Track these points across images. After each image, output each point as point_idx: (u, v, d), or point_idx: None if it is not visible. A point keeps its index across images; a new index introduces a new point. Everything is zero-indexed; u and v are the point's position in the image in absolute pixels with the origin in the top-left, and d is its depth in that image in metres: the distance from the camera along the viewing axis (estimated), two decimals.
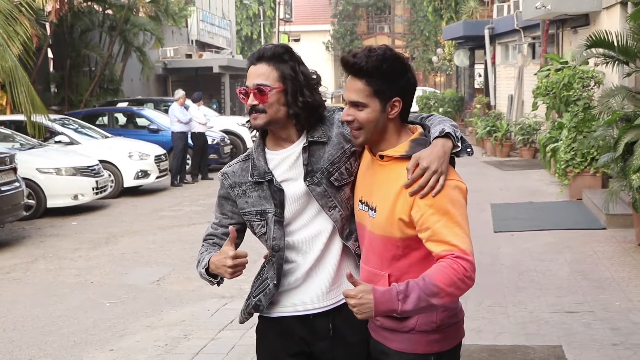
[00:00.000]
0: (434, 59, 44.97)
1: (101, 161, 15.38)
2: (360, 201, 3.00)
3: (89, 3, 25.85)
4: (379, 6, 62.89)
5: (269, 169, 3.08)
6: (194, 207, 15.08)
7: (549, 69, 16.07)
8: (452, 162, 2.84)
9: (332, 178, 3.05)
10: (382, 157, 2.89)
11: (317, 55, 62.91)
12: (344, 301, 2.96)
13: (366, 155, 3.04)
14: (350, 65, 2.82)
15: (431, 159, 2.74)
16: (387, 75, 2.80)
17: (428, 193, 2.71)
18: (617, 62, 10.26)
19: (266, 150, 3.14)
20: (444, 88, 45.49)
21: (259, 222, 3.12)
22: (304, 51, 37.33)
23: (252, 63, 3.05)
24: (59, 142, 16.59)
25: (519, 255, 9.49)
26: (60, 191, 14.04)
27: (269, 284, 3.16)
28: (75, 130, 17.66)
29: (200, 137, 18.79)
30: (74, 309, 8.06)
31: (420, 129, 2.94)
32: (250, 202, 3.12)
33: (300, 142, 3.08)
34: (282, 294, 3.17)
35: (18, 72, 13.92)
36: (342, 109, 3.09)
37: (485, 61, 30.54)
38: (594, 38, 10.56)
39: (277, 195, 3.06)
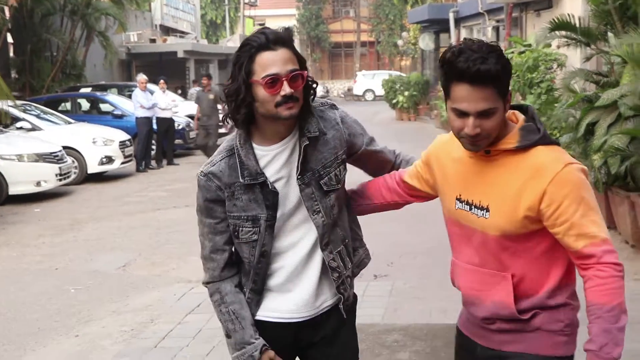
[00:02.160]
0: (399, 42, 45.14)
1: (64, 147, 15.26)
2: (459, 200, 2.71)
3: None
4: None
5: (260, 169, 2.80)
6: (160, 193, 15.05)
7: (512, 52, 16.18)
8: (546, 141, 2.57)
9: (321, 181, 2.87)
10: (488, 152, 2.59)
11: None
12: (328, 307, 2.98)
13: (448, 147, 2.78)
14: (481, 73, 2.43)
15: None
16: (507, 73, 2.52)
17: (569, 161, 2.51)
18: (579, 44, 10.36)
19: (254, 146, 2.83)
20: (409, 71, 45.57)
21: (250, 229, 2.84)
22: None
23: (265, 48, 2.69)
24: (21, 128, 16.38)
25: None
26: (23, 178, 13.92)
27: (245, 292, 2.97)
28: (37, 116, 17.46)
29: (164, 122, 18.76)
30: (38, 295, 8.02)
31: (520, 115, 2.64)
32: (240, 205, 2.83)
33: (293, 137, 2.85)
34: (263, 295, 2.99)
35: None
36: (334, 105, 2.98)
37: (450, 44, 30.68)
38: (557, 21, 10.68)
39: (271, 197, 2.82)
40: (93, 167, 16.52)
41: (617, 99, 8.78)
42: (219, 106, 17.65)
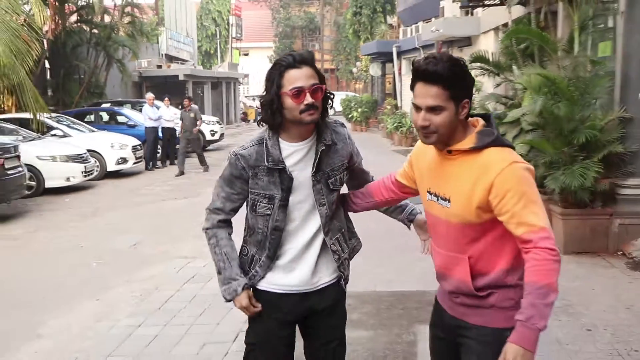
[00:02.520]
0: (354, 70, 45.11)
1: (89, 150, 15.14)
2: (429, 192, 2.64)
3: (79, 24, 25.40)
4: (311, 28, 62.81)
5: (282, 158, 2.79)
6: (164, 187, 14.95)
7: None
8: (498, 144, 2.48)
9: (329, 181, 2.87)
10: (450, 151, 2.51)
11: (263, 67, 62.28)
12: (323, 285, 2.94)
13: (424, 149, 2.70)
14: (429, 72, 2.39)
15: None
16: (460, 79, 2.42)
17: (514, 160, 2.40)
18: (491, 74, 10.47)
19: (280, 140, 2.82)
20: (362, 93, 45.59)
21: (266, 205, 2.84)
22: (252, 63, 37.13)
23: (292, 67, 2.70)
24: (55, 135, 16.30)
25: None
26: (56, 174, 13.81)
27: (260, 258, 2.93)
28: (68, 126, 17.37)
29: (168, 131, 18.70)
30: (68, 268, 7.96)
31: (481, 121, 2.55)
32: (261, 184, 2.82)
33: (311, 141, 2.83)
34: (268, 271, 2.94)
35: (27, 82, 14.27)
36: (343, 124, 2.96)
37: (394, 72, 30.84)
38: (476, 55, 10.78)
39: (286, 182, 2.80)
40: (111, 166, 16.38)
41: (520, 117, 8.89)
42: (198, 122, 17.55)
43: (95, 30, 25.51)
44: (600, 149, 7.61)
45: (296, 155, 2.83)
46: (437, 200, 2.58)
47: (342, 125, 2.99)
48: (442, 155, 2.54)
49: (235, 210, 2.98)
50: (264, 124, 2.85)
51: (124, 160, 16.62)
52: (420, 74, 2.41)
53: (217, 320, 5.89)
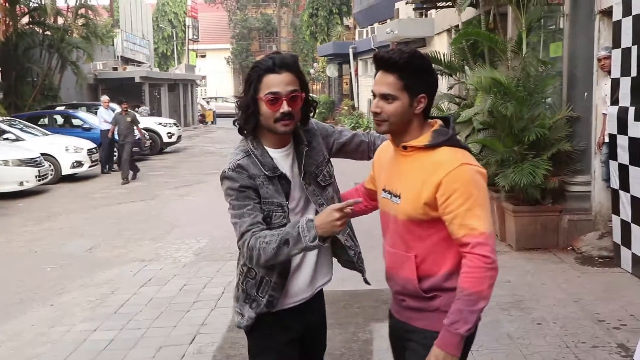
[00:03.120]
0: (312, 71, 45.19)
1: (43, 154, 14.90)
2: (384, 190, 2.59)
3: (31, 26, 24.98)
4: (268, 29, 62.73)
5: (276, 165, 2.60)
6: (120, 190, 14.77)
7: None
8: (452, 144, 2.45)
9: (318, 179, 2.69)
10: (405, 147, 2.47)
11: (220, 68, 62.48)
12: (319, 289, 2.77)
13: (387, 148, 2.66)
14: (385, 60, 2.40)
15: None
16: (417, 72, 2.40)
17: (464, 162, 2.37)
18: (444, 74, 10.59)
19: (266, 148, 2.63)
20: (319, 94, 45.71)
21: (281, 214, 2.58)
22: (209, 65, 36.96)
23: (271, 71, 2.53)
24: (7, 139, 15.98)
25: (373, 221, 9.71)
26: (9, 179, 13.54)
27: (270, 280, 2.62)
28: (21, 129, 17.03)
29: None
30: (21, 273, 7.83)
31: (439, 122, 2.52)
32: (270, 193, 2.57)
33: (292, 145, 2.67)
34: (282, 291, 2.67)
35: None
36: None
37: (350, 73, 31.01)
38: (428, 56, 10.87)
39: (285, 187, 2.61)
40: (66, 170, 16.12)
41: (472, 117, 9.02)
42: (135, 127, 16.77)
43: (48, 32, 25.13)
44: (549, 147, 7.78)
45: (284, 162, 2.65)
46: (390, 197, 2.54)
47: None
48: (398, 152, 2.53)
49: (264, 222, 2.58)
50: (238, 126, 2.65)
51: (79, 164, 16.37)
52: (379, 62, 2.44)
53: (174, 323, 5.86)
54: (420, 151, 2.44)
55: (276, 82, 2.51)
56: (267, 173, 2.56)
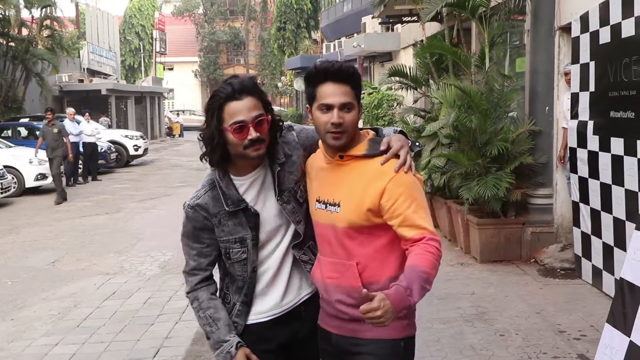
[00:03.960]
0: (279, 84, 45.31)
1: (5, 166, 14.69)
2: (318, 201, 2.55)
3: None
4: (235, 43, 62.66)
5: (241, 196, 2.54)
6: (85, 203, 14.59)
7: (363, 93, 16.55)
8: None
9: (297, 196, 2.61)
10: (341, 157, 2.47)
11: (188, 81, 62.24)
12: (298, 303, 2.69)
13: (313, 160, 2.63)
14: (337, 71, 2.40)
15: (400, 142, 2.46)
16: (359, 83, 2.47)
17: (409, 168, 2.41)
18: (409, 88, 10.68)
19: (232, 177, 2.56)
20: (287, 107, 45.80)
21: (240, 249, 2.57)
22: (176, 78, 36.79)
23: (233, 99, 2.45)
24: None
25: None
26: None
27: (236, 306, 2.65)
28: None
29: (89, 146, 18.40)
30: None
31: (372, 132, 2.57)
32: (227, 230, 2.55)
33: (265, 165, 2.59)
34: (252, 303, 2.68)
35: None
36: (290, 126, 2.71)
37: None
38: (394, 69, 10.96)
39: (252, 219, 2.55)
40: (30, 182, 15.90)
41: (437, 130, 9.11)
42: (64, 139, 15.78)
43: (12, 44, 24.77)
44: (512, 161, 7.88)
45: (254, 187, 2.58)
46: (326, 207, 2.51)
47: (289, 128, 2.72)
48: (332, 162, 2.51)
49: (213, 264, 2.67)
50: (205, 161, 2.57)
51: (43, 176, 16.13)
52: (332, 74, 2.40)
53: (138, 337, 5.80)
54: (356, 160, 2.46)
55: (239, 109, 2.44)
56: (228, 209, 2.53)
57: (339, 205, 2.47)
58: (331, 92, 2.40)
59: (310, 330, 2.71)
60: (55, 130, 15.30)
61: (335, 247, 2.50)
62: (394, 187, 2.38)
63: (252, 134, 2.43)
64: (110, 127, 27.15)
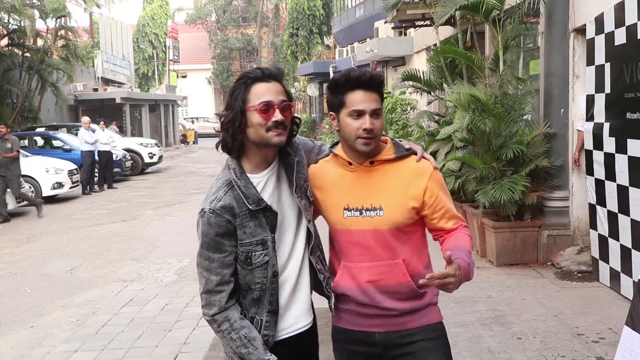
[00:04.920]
0: (292, 90, 45.35)
1: (23, 176, 14.76)
2: (347, 209, 2.56)
3: (10, 47, 24.89)
4: (248, 49, 62.85)
5: (260, 195, 2.44)
6: (101, 211, 14.69)
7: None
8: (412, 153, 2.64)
9: (307, 194, 2.58)
10: (372, 162, 2.55)
11: (201, 88, 62.50)
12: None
13: (321, 172, 2.65)
14: (369, 79, 2.47)
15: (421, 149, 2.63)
16: (383, 91, 2.58)
17: (434, 166, 2.59)
18: (423, 91, 10.69)
19: (249, 176, 2.46)
20: (301, 113, 45.82)
21: (262, 252, 2.44)
22: (190, 85, 36.93)
23: (260, 80, 2.41)
24: None
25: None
26: None
27: (261, 319, 2.49)
28: None
29: (105, 154, 18.51)
30: (1, 294, 7.76)
31: (385, 137, 2.63)
32: (249, 232, 2.43)
33: (277, 162, 2.53)
34: (279, 314, 2.54)
35: None
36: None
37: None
38: (407, 74, 10.98)
39: (271, 219, 2.46)
40: (47, 191, 15.98)
41: (451, 134, 9.11)
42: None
43: (27, 54, 25.04)
44: (528, 164, 7.87)
45: (269, 184, 2.51)
46: (362, 213, 2.55)
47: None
48: (358, 168, 2.57)
49: (233, 276, 2.47)
50: (223, 149, 2.48)
51: (59, 185, 16.27)
52: (363, 82, 2.47)
53: (156, 343, 5.84)
54: (386, 163, 2.56)
55: (267, 90, 2.40)
56: (251, 207, 2.42)
57: (381, 209, 2.54)
58: (363, 99, 2.47)
59: (313, 343, 2.74)
60: (8, 145, 13.77)
61: (376, 250, 2.55)
62: (433, 183, 2.56)
63: (278, 115, 2.38)
64: (120, 133, 27.27)
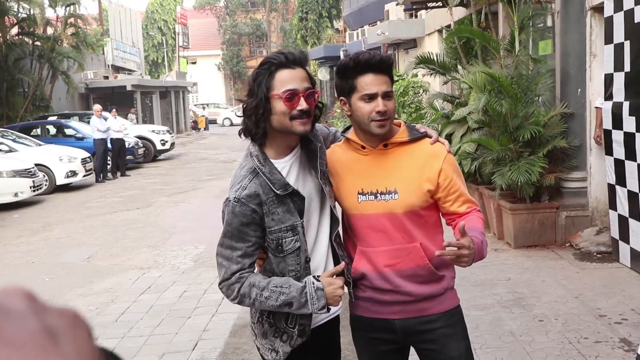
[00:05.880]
0: None
1: (36, 165, 14.83)
2: (361, 193, 2.53)
3: (20, 36, 24.91)
4: (257, 35, 62.73)
5: (286, 180, 2.40)
6: (115, 198, 14.73)
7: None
8: (426, 136, 2.64)
9: (330, 179, 2.56)
10: (385, 145, 2.52)
11: (211, 75, 62.43)
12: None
13: (332, 156, 2.63)
14: (379, 62, 2.43)
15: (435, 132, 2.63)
16: (393, 73, 2.56)
17: (448, 149, 2.58)
18: (437, 73, 10.60)
19: (273, 162, 2.42)
20: None
21: (292, 238, 2.40)
22: (200, 72, 36.97)
23: (284, 66, 2.35)
24: (0, 150, 15.95)
25: None
26: (3, 190, 13.46)
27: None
28: (13, 140, 16.98)
29: (117, 142, 18.50)
30: (20, 283, 7.78)
31: (397, 120, 2.63)
32: (278, 218, 2.38)
33: (298, 149, 2.50)
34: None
35: None
36: None
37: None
38: (421, 57, 10.88)
39: (299, 204, 2.42)
40: (60, 180, 16.05)
41: (466, 115, 9.04)
42: None
43: (38, 43, 25.08)
44: (545, 145, 7.80)
45: (294, 169, 2.47)
46: (377, 197, 2.52)
47: None
48: (372, 151, 2.55)
49: (253, 267, 2.45)
50: (246, 136, 2.44)
51: (73, 174, 16.33)
52: (373, 65, 2.43)
53: (175, 330, 5.85)
54: (400, 146, 2.55)
55: (292, 77, 2.35)
56: (279, 192, 2.37)
57: (396, 192, 2.51)
58: (374, 82, 2.44)
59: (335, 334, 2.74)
60: None
61: (393, 234, 2.53)
62: (448, 166, 2.53)
63: (303, 104, 2.34)
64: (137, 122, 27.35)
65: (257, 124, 2.37)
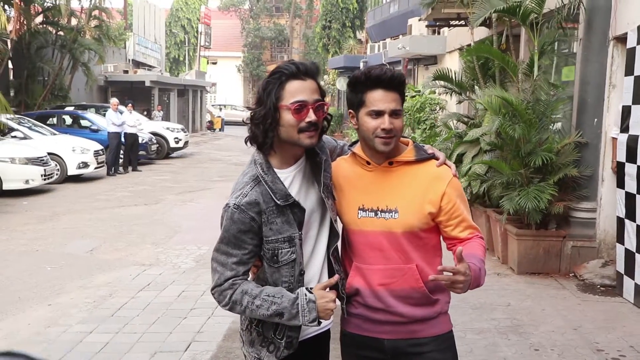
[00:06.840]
0: (322, 83, 45.23)
1: (49, 154, 14.95)
2: (362, 209, 2.51)
3: (44, 25, 25.10)
4: (280, 40, 62.87)
5: (288, 191, 2.37)
6: (125, 193, 14.79)
7: (406, 95, 16.43)
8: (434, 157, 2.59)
9: (334, 192, 2.53)
10: (390, 163, 2.50)
11: (231, 76, 62.61)
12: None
13: (337, 170, 2.60)
14: (389, 79, 2.40)
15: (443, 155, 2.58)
16: (405, 91, 2.51)
17: (454, 173, 2.52)
18: (454, 92, 10.58)
19: (276, 171, 2.39)
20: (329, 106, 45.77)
21: (288, 249, 2.37)
22: (220, 72, 37.07)
23: (295, 77, 2.33)
24: (15, 137, 16.05)
25: None
26: (14, 176, 13.60)
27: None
28: (29, 128, 17.08)
29: (131, 137, 18.64)
30: (20, 271, 7.83)
31: (406, 139, 2.61)
32: (276, 229, 2.35)
33: (303, 160, 2.47)
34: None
35: None
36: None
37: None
38: (438, 73, 10.87)
39: (298, 216, 2.39)
40: (72, 170, 16.17)
41: (479, 137, 9.01)
42: None
43: (61, 33, 25.27)
44: (556, 172, 7.75)
45: (296, 180, 2.44)
46: (377, 214, 2.50)
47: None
48: (376, 168, 2.53)
49: (248, 274, 2.44)
50: (252, 143, 2.43)
51: (85, 165, 16.42)
52: (383, 81, 2.41)
53: (170, 330, 5.85)
54: (405, 165, 2.51)
55: (302, 89, 2.33)
56: (279, 202, 2.34)
57: (396, 211, 2.48)
58: (382, 99, 2.41)
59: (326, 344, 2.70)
60: None
61: (389, 253, 2.50)
62: (452, 190, 2.49)
63: (312, 116, 2.32)
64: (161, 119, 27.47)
65: (266, 134, 2.35)
